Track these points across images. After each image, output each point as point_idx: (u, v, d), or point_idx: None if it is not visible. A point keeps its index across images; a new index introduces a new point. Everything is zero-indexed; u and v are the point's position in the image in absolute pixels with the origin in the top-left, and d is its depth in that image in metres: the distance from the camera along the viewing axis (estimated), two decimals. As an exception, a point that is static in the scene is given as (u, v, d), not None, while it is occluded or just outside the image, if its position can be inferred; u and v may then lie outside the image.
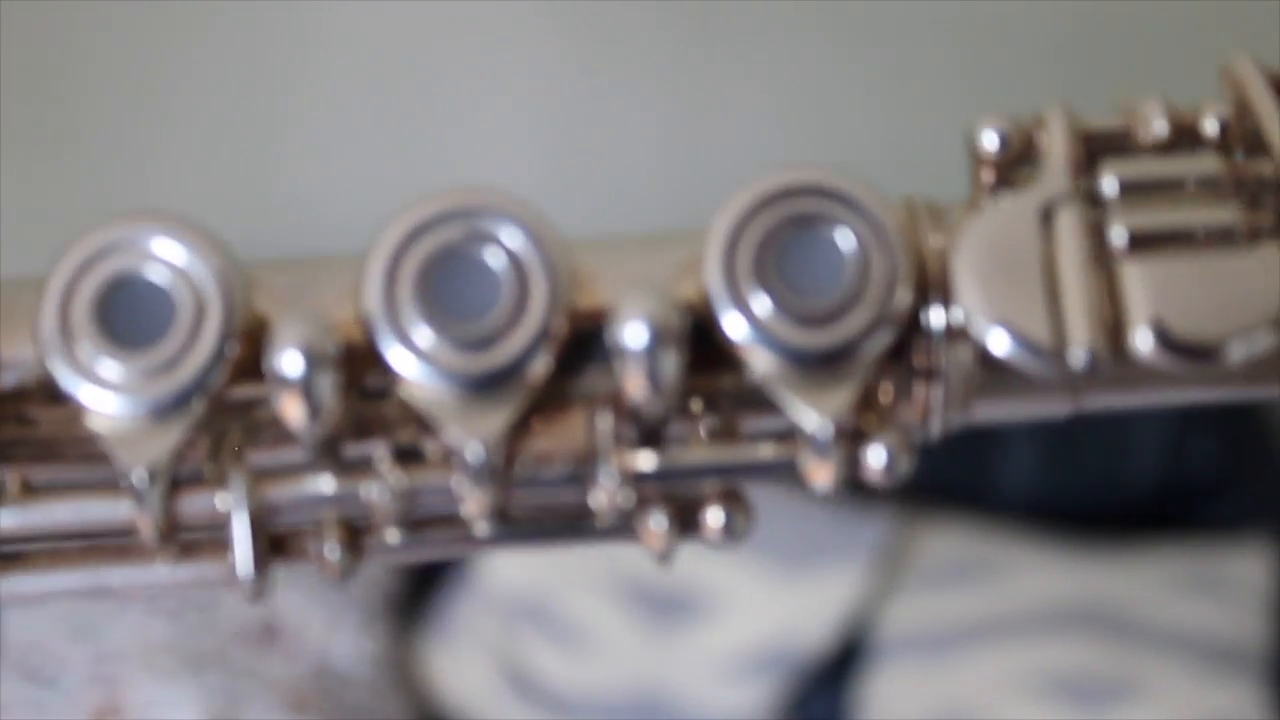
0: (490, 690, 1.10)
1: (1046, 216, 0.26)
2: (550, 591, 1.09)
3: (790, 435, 0.27)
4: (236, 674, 1.00)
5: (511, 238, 0.27)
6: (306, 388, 0.26)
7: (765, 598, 1.07)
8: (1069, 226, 0.26)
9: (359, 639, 1.06)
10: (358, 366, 0.27)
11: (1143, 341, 0.26)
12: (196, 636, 1.01)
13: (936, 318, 0.27)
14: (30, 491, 0.27)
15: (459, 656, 1.11)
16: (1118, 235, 0.26)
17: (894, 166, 1.27)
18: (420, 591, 1.14)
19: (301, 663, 1.03)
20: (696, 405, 0.28)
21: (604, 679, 1.08)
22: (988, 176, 0.27)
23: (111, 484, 0.27)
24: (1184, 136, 0.27)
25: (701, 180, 1.29)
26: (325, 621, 1.05)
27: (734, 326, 0.27)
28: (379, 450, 0.27)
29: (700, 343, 0.27)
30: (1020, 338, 0.26)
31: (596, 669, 1.08)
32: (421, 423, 0.27)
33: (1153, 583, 1.05)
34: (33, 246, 1.29)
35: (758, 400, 0.27)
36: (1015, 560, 1.07)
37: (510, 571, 1.10)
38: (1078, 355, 0.25)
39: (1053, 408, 0.28)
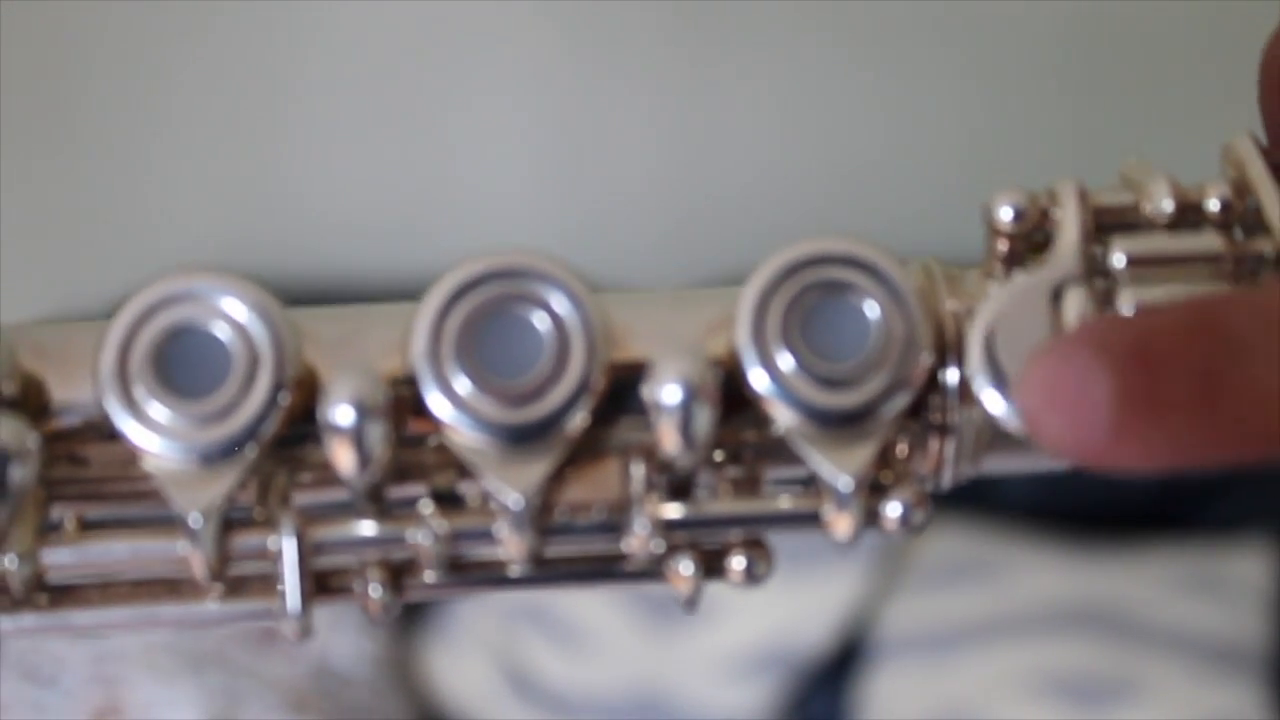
0: (490, 690, 1.10)
1: (1056, 295, 0.28)
2: (550, 592, 1.09)
3: (811, 486, 0.29)
4: (236, 674, 1.01)
5: (554, 298, 0.28)
6: (358, 438, 0.27)
7: (765, 598, 1.08)
8: (1076, 305, 0.28)
9: (359, 639, 1.07)
10: (401, 413, 0.28)
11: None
12: (196, 636, 1.02)
13: (951, 377, 0.29)
14: (85, 529, 0.28)
15: (459, 656, 1.12)
16: (1125, 308, 0.28)
17: (894, 167, 1.29)
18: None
19: (301, 663, 1.04)
20: (718, 455, 0.29)
21: (604, 679, 1.09)
22: (1002, 246, 0.29)
23: (165, 523, 0.28)
24: (1188, 213, 0.29)
25: (701, 181, 1.30)
26: (325, 621, 1.05)
27: (759, 382, 0.28)
28: (420, 493, 0.29)
29: (727, 396, 0.28)
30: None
31: (596, 669, 1.09)
32: (459, 468, 0.28)
33: (1153, 583, 1.06)
34: (33, 247, 1.30)
35: (781, 451, 0.29)
36: (1015, 560, 1.08)
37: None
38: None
39: (1054, 463, 0.30)
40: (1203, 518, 1.11)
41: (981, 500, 1.13)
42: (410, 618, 1.13)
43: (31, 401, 0.29)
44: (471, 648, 1.11)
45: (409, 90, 1.29)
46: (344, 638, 1.06)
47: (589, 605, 1.09)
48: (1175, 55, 1.25)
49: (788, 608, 1.08)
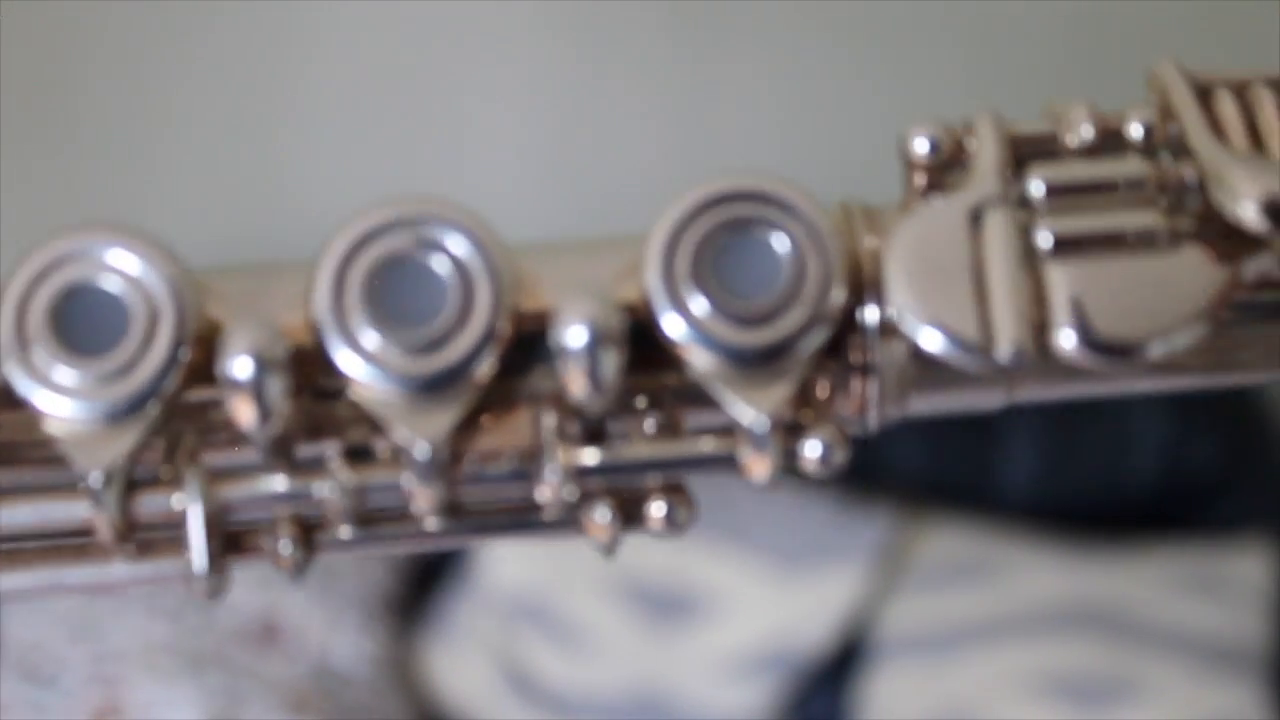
0: (490, 690, 1.10)
1: (975, 219, 0.27)
2: (550, 591, 1.10)
3: (730, 430, 0.28)
4: (236, 674, 1.01)
5: (456, 244, 0.27)
6: (257, 391, 0.26)
7: (765, 598, 1.08)
8: (997, 228, 0.27)
9: (359, 639, 1.06)
10: (309, 369, 0.28)
11: (1066, 340, 0.27)
12: (196, 636, 1.02)
13: (871, 315, 0.28)
14: (-12, 495, 0.28)
15: (459, 656, 1.12)
16: (1044, 237, 0.27)
17: (893, 167, 1.28)
18: (420, 591, 1.15)
19: (301, 663, 1.04)
20: (641, 403, 0.29)
21: (604, 679, 1.09)
22: (919, 180, 0.28)
23: (69, 486, 0.27)
24: (1110, 140, 0.28)
25: (700, 180, 1.30)
26: (325, 621, 1.06)
27: (673, 326, 0.27)
28: (331, 450, 0.28)
29: (643, 342, 0.28)
30: (950, 335, 0.27)
31: (596, 669, 1.09)
32: (372, 423, 0.28)
33: (1153, 583, 1.05)
34: (33, 246, 1.29)
35: (699, 397, 0.28)
36: (1015, 560, 1.08)
37: (510, 571, 1.10)
38: (1004, 352, 0.26)
39: (986, 400, 0.29)
40: (1203, 518, 1.11)
41: (981, 500, 1.12)
42: (410, 618, 1.13)
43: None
44: (471, 648, 1.11)
45: (409, 90, 1.29)
46: (344, 638, 1.06)
47: (589, 605, 1.09)
48: (1175, 56, 1.24)
49: (788, 608, 1.08)
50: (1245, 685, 1.00)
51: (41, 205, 1.27)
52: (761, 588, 1.08)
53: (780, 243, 0.27)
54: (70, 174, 1.28)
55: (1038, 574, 1.07)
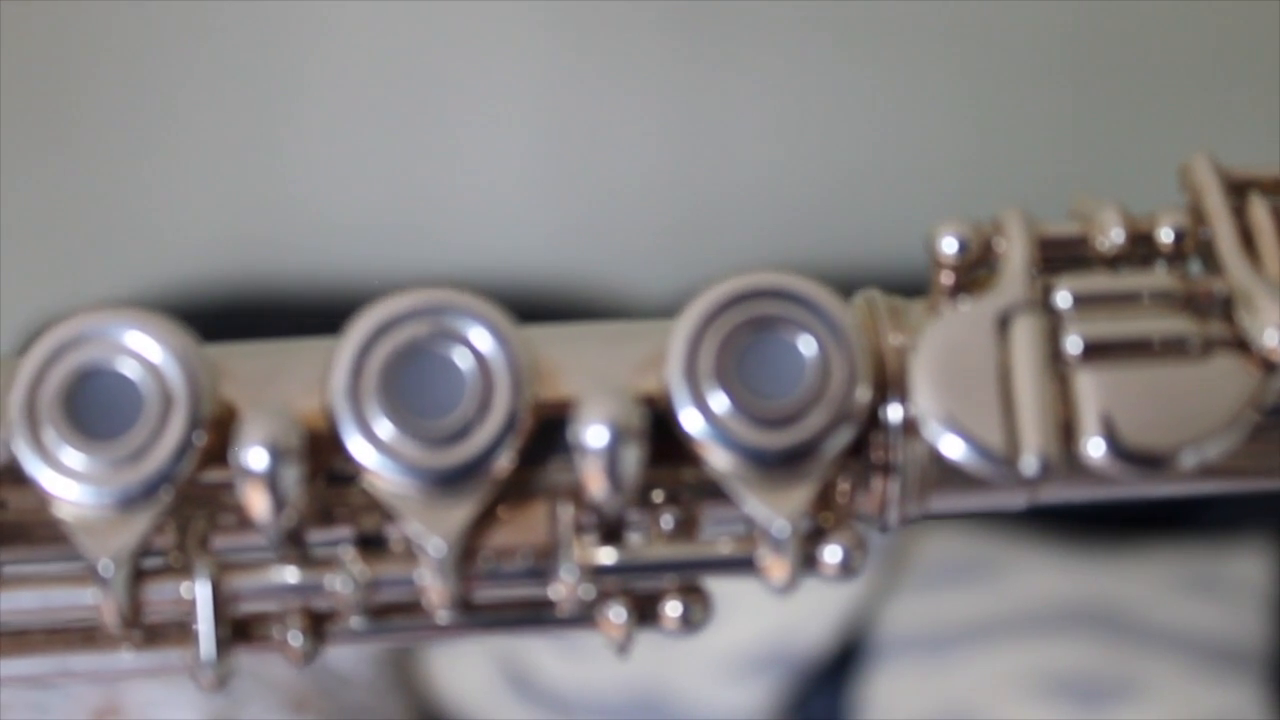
0: (490, 690, 1.10)
1: (1003, 324, 0.27)
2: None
3: (749, 529, 0.27)
4: (237, 674, 1.00)
5: (477, 334, 0.27)
6: (272, 482, 0.26)
7: (765, 598, 1.07)
8: (1025, 334, 0.27)
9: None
10: (323, 454, 0.27)
11: (1094, 449, 0.26)
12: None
13: (894, 413, 0.28)
14: (-5, 578, 0.27)
15: (459, 656, 1.11)
16: (1072, 343, 0.27)
17: (893, 168, 1.28)
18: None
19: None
20: (657, 496, 0.28)
21: (604, 679, 1.08)
22: (946, 279, 0.28)
23: (77, 571, 0.27)
24: (1140, 244, 0.28)
25: (701, 181, 1.30)
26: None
27: (693, 423, 0.27)
28: (343, 536, 0.28)
29: (661, 435, 0.27)
30: (975, 445, 0.26)
31: (596, 669, 1.08)
32: (384, 509, 0.27)
33: (1153, 583, 1.05)
34: (33, 247, 1.30)
35: (718, 492, 0.28)
36: (1015, 560, 1.08)
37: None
38: (1029, 463, 0.26)
39: (1008, 501, 0.29)
40: (1203, 518, 1.11)
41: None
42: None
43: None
44: (471, 648, 1.11)
45: (409, 91, 1.29)
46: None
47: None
48: (1176, 56, 1.24)
49: (788, 608, 1.07)
50: (1245, 685, 1.00)
51: (41, 205, 1.26)
52: (761, 587, 1.08)
53: (806, 345, 0.27)
54: (70, 174, 1.28)
55: (1038, 574, 1.07)
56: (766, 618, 1.08)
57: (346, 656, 1.05)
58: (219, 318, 1.24)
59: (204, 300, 1.25)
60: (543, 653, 1.09)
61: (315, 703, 1.02)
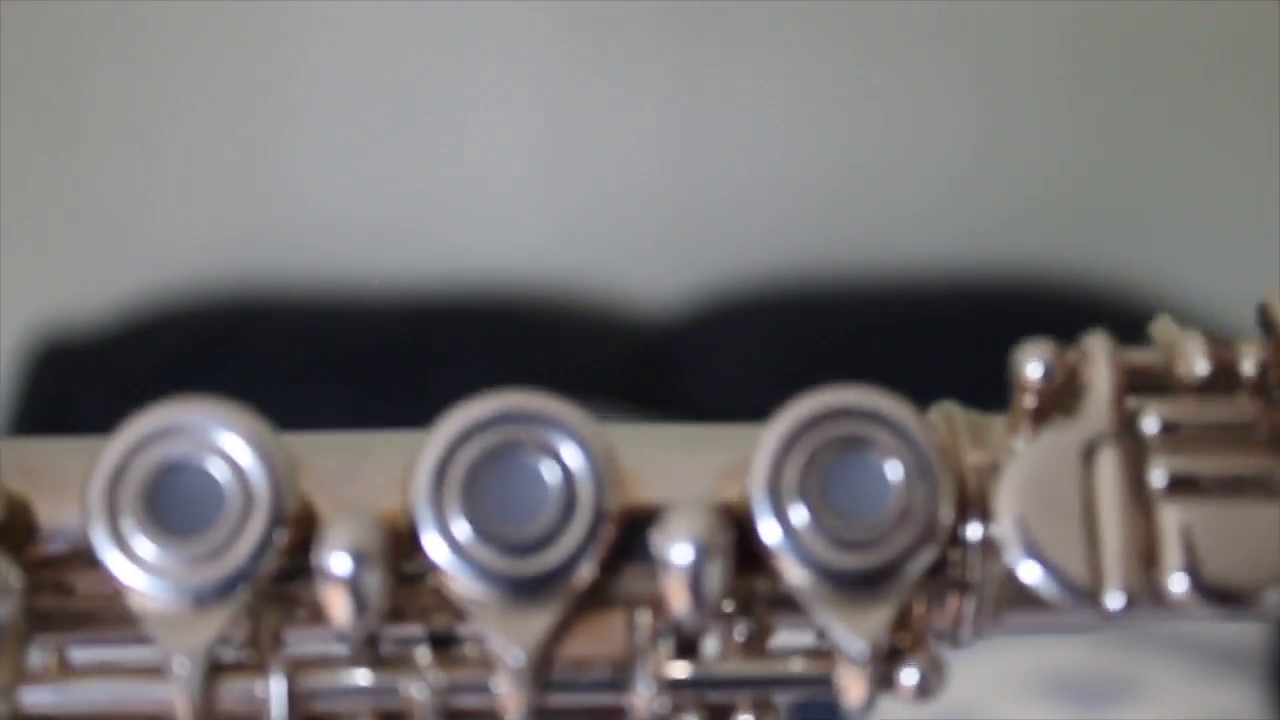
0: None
1: (1088, 455, 0.27)
2: None
3: (824, 644, 0.27)
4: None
5: (564, 445, 0.27)
6: (354, 586, 0.26)
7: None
8: (1110, 466, 0.27)
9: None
10: (400, 554, 0.27)
11: (1177, 585, 0.26)
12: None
13: (973, 532, 0.28)
14: (66, 670, 0.27)
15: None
16: (1157, 477, 0.27)
17: (894, 167, 1.28)
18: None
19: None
20: (730, 605, 0.28)
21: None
22: (1029, 402, 0.28)
23: (150, 663, 0.27)
24: (1222, 375, 0.28)
25: (701, 181, 1.30)
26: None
27: (772, 536, 0.27)
28: (416, 635, 0.28)
29: (738, 545, 0.27)
30: (1058, 576, 0.26)
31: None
32: (457, 609, 0.27)
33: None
34: (33, 247, 1.30)
35: (793, 604, 0.28)
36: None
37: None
38: (1115, 598, 0.26)
39: (1083, 624, 0.29)
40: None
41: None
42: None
43: (17, 525, 0.27)
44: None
45: (409, 90, 1.29)
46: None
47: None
48: (1176, 57, 1.24)
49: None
50: (1245, 685, 1.00)
51: (41, 205, 1.26)
52: None
53: (890, 468, 0.27)
54: (70, 174, 1.27)
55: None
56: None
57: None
58: (219, 318, 1.24)
59: (204, 300, 1.25)
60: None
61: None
